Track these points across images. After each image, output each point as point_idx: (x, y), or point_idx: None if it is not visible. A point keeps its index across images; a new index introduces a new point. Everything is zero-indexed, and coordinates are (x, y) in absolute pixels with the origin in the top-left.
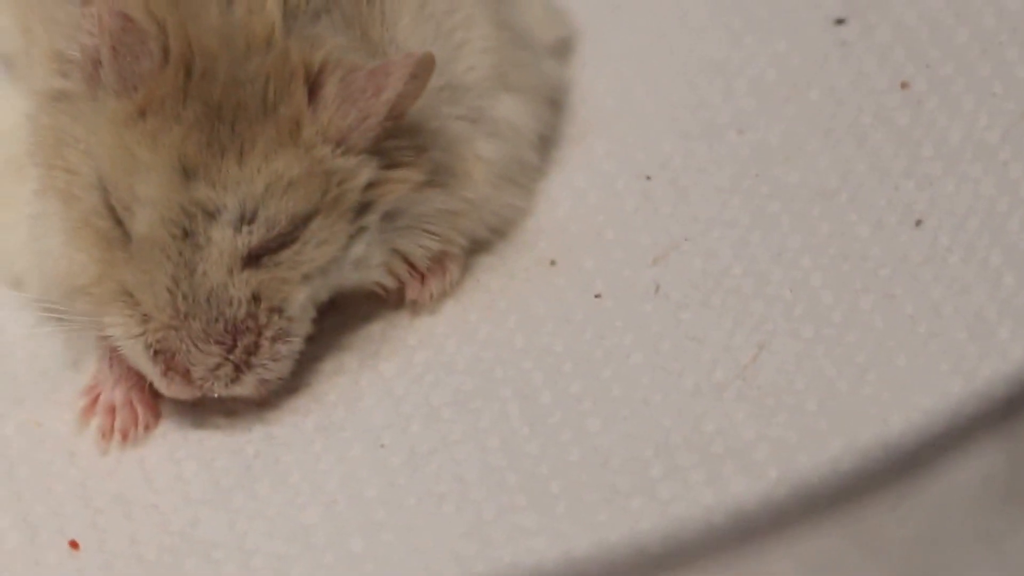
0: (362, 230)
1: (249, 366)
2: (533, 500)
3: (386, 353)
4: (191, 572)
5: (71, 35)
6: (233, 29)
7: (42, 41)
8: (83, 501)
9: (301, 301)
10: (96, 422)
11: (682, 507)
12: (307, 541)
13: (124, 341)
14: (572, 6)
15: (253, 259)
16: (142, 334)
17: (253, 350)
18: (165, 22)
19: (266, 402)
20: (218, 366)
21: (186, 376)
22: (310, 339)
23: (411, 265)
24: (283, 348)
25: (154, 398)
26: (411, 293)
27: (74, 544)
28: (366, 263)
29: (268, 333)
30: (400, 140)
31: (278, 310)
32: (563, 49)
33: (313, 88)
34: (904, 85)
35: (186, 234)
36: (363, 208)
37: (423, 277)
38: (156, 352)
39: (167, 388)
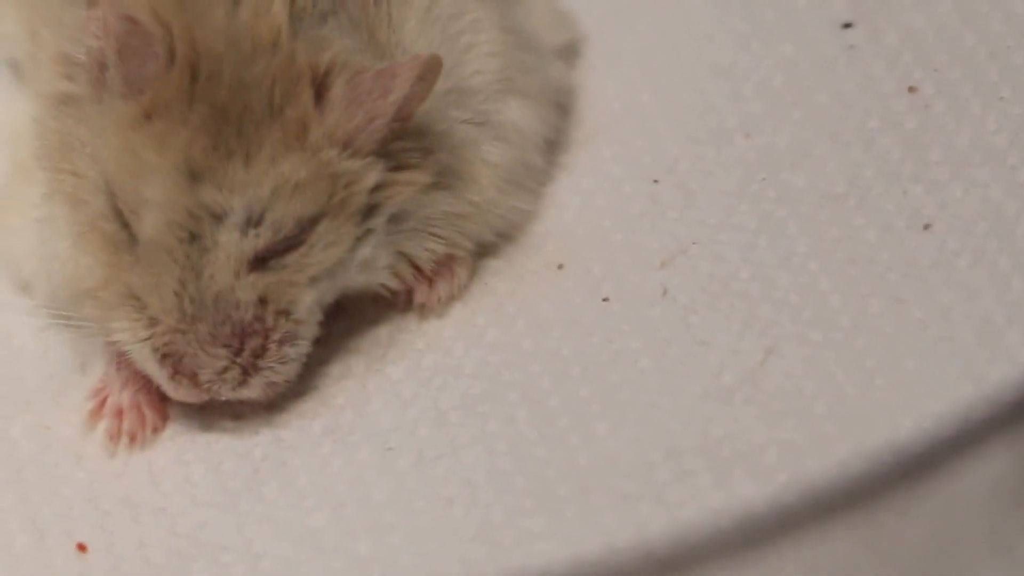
0: (369, 232)
1: (256, 369)
2: (541, 504)
3: (394, 357)
4: (199, 575)
5: (77, 38)
6: (239, 31)
7: (48, 45)
8: (91, 504)
9: (308, 304)
10: (104, 425)
11: (690, 511)
12: (315, 544)
13: (131, 345)
14: (579, 10)
15: (260, 262)
16: (149, 338)
17: (260, 353)
18: (171, 25)
19: (273, 405)
20: (225, 369)
21: (193, 379)
22: (317, 342)
23: (417, 268)
24: (290, 351)
25: (162, 401)
26: (419, 297)
27: (82, 547)
28: (372, 265)
29: (275, 336)
30: (407, 142)
31: (285, 313)
32: (570, 53)
33: (320, 90)
34: (912, 89)
35: (193, 237)
36: (370, 210)
37: (431, 281)
38: (163, 356)
39: (175, 391)
